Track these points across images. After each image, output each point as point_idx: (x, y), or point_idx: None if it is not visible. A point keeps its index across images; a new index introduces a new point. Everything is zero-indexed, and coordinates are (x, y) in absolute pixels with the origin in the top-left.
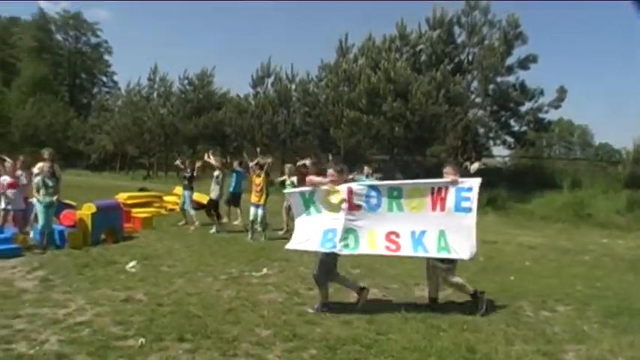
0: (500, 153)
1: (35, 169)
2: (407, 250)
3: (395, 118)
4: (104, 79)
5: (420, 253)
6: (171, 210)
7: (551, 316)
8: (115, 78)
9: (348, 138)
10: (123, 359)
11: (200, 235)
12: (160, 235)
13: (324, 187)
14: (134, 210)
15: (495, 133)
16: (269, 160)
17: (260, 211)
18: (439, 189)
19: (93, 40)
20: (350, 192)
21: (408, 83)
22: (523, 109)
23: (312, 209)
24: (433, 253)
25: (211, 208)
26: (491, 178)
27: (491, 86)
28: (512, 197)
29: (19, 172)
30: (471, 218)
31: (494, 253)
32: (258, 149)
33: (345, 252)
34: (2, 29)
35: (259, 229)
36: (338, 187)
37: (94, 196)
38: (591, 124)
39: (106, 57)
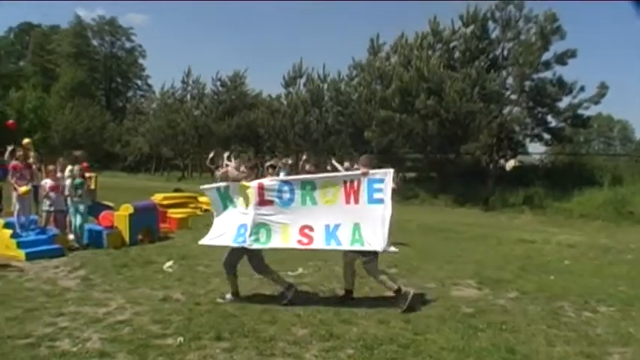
0: (537, 150)
1: (66, 172)
2: (319, 243)
3: (428, 116)
4: (138, 82)
5: (333, 246)
6: (207, 210)
7: (594, 317)
8: (150, 81)
9: (380, 137)
10: (162, 357)
11: None
12: (196, 235)
13: (237, 183)
14: (170, 210)
15: (532, 129)
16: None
17: None
18: (351, 181)
19: (127, 44)
20: (261, 187)
21: (442, 81)
22: (561, 105)
23: (228, 204)
24: (346, 245)
25: None
26: (527, 176)
27: (528, 82)
28: (550, 195)
29: (59, 175)
30: (384, 209)
31: (532, 253)
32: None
33: (256, 246)
34: (42, 36)
35: None
36: (249, 183)
37: (131, 197)
38: (632, 119)
39: (140, 61)
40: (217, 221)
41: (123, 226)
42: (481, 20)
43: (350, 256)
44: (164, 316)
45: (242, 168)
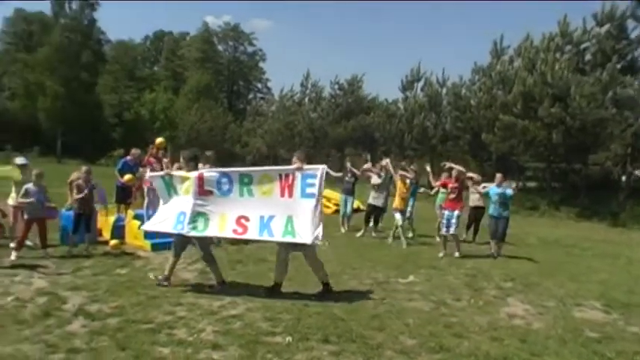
0: None
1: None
2: (253, 233)
3: (553, 124)
4: (258, 85)
5: (265, 237)
6: (337, 211)
7: None
8: (269, 84)
9: (500, 143)
10: (271, 355)
11: (346, 237)
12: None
13: (179, 173)
14: None
15: None
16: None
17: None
18: (287, 175)
19: (249, 49)
20: (200, 179)
21: (567, 86)
22: None
23: (172, 192)
24: (278, 237)
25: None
26: None
27: None
28: None
29: None
30: (315, 203)
31: None
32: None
33: (193, 234)
34: (173, 43)
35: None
36: (188, 174)
37: None
38: None
39: (261, 64)
40: (162, 208)
41: None
42: (618, 19)
43: (285, 249)
44: (274, 314)
45: (181, 160)
